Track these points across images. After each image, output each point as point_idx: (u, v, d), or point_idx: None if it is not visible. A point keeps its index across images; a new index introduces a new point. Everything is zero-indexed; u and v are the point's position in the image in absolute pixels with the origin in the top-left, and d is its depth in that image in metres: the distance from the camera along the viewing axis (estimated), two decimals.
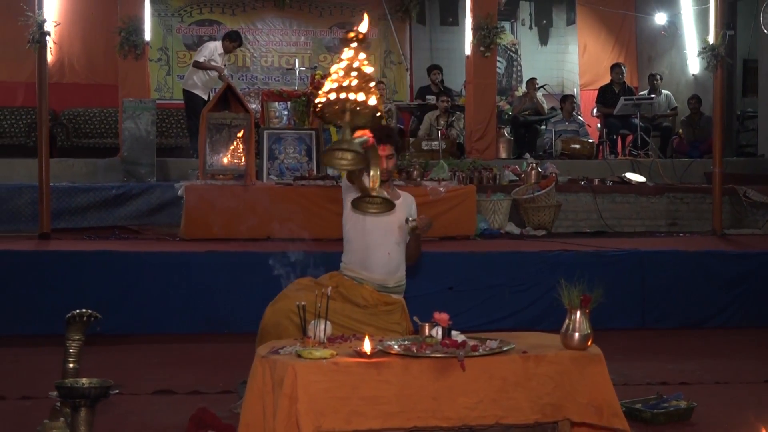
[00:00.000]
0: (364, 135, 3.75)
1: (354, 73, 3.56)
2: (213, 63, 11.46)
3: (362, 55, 3.62)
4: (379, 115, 3.64)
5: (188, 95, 11.62)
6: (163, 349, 6.96)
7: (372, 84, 3.60)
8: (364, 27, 3.67)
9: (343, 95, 3.53)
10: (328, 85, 3.58)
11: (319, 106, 3.59)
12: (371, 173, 3.99)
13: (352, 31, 3.66)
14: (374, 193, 3.94)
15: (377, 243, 4.75)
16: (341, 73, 3.58)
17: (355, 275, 4.80)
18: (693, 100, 13.42)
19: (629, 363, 6.45)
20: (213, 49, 11.56)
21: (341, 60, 3.63)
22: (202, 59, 11.46)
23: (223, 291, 7.39)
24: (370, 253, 4.76)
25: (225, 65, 11.85)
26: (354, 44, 3.63)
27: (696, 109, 13.35)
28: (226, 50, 11.75)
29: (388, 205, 3.99)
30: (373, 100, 3.57)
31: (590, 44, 16.12)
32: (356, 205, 4.07)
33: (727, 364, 6.65)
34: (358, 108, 3.55)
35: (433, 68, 13.87)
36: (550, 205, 10.08)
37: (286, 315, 4.47)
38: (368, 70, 3.61)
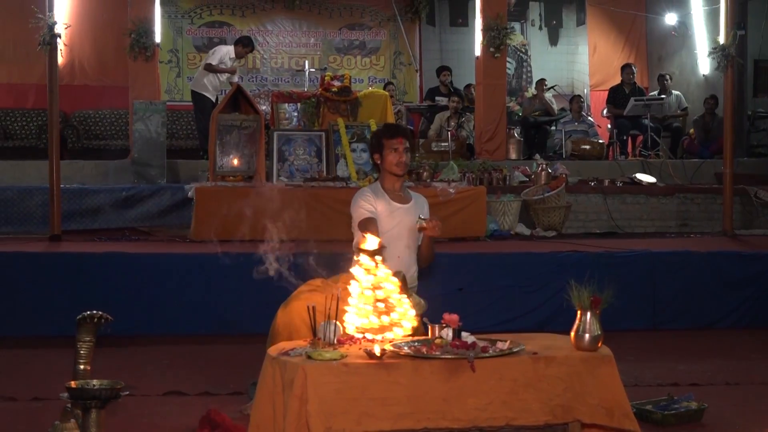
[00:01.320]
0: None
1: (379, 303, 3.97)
2: (223, 66, 11.50)
3: (381, 272, 3.99)
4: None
5: (197, 96, 11.65)
6: (173, 350, 6.97)
7: (404, 301, 4.01)
8: (373, 243, 4.09)
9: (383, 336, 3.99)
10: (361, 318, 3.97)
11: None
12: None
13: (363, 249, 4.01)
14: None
15: (387, 246, 4.73)
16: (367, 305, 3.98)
17: None
18: (711, 100, 13.33)
19: (640, 364, 6.44)
20: (225, 53, 11.59)
21: (352, 279, 4.03)
22: (214, 62, 11.48)
23: (233, 292, 7.38)
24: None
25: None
26: (365, 265, 3.98)
27: (711, 109, 13.29)
28: (239, 55, 11.78)
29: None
30: (410, 317, 4.01)
31: (600, 45, 16.09)
32: None
33: (738, 364, 6.63)
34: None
35: (443, 69, 13.88)
36: (560, 206, 10.06)
37: (298, 316, 4.47)
38: (390, 287, 3.98)
